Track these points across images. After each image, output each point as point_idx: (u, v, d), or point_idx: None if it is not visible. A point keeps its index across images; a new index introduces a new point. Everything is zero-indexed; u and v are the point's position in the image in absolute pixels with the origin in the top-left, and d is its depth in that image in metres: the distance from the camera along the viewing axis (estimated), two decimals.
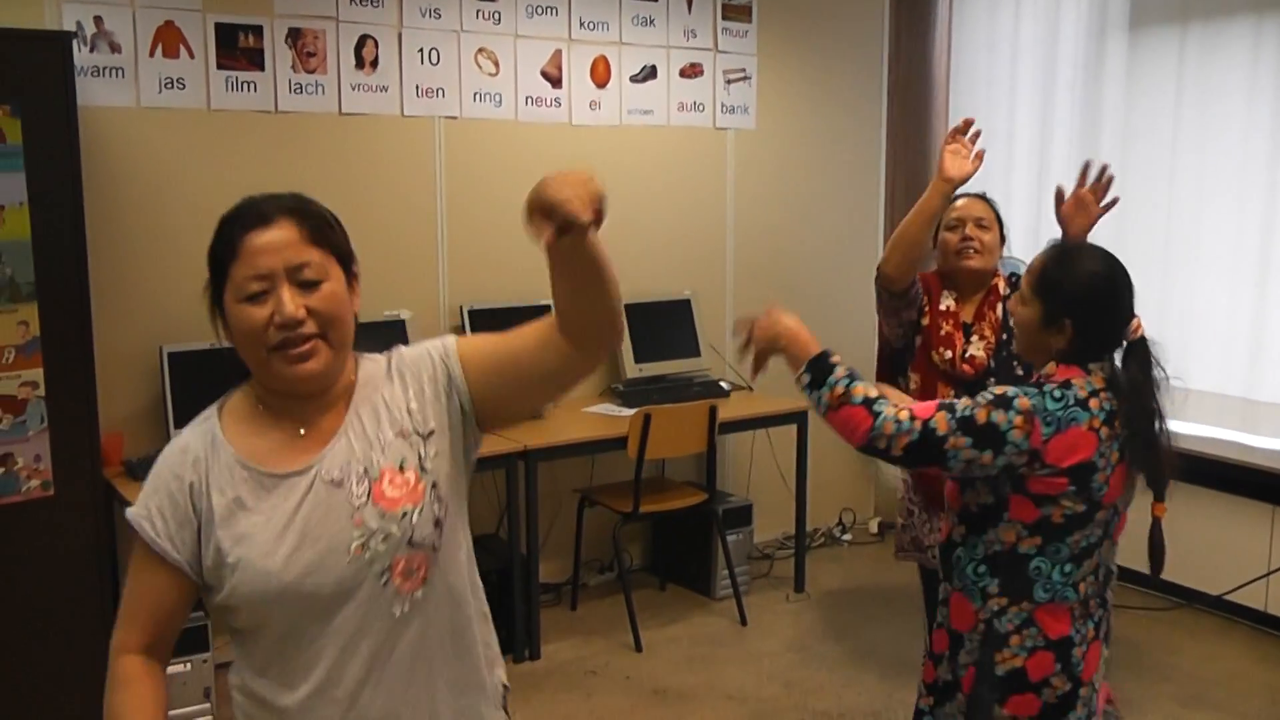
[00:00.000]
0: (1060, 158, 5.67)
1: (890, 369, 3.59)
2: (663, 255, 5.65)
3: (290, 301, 1.70)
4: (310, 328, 1.72)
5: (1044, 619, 2.43)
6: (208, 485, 1.77)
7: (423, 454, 1.81)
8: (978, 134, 3.38)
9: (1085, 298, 2.47)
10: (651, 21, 5.46)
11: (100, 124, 4.22)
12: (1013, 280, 3.46)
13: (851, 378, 2.49)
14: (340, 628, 1.75)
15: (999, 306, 3.41)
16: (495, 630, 1.97)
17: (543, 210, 1.68)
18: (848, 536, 6.26)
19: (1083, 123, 5.57)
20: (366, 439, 1.80)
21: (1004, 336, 3.37)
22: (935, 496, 3.30)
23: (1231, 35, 4.99)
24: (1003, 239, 3.54)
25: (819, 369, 2.50)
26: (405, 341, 4.67)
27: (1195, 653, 4.78)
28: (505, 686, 1.98)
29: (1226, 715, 4.27)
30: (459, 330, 4.96)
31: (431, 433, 1.83)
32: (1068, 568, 2.43)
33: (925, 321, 3.47)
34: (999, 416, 2.35)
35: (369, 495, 1.76)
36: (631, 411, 4.89)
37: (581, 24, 5.28)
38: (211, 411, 1.85)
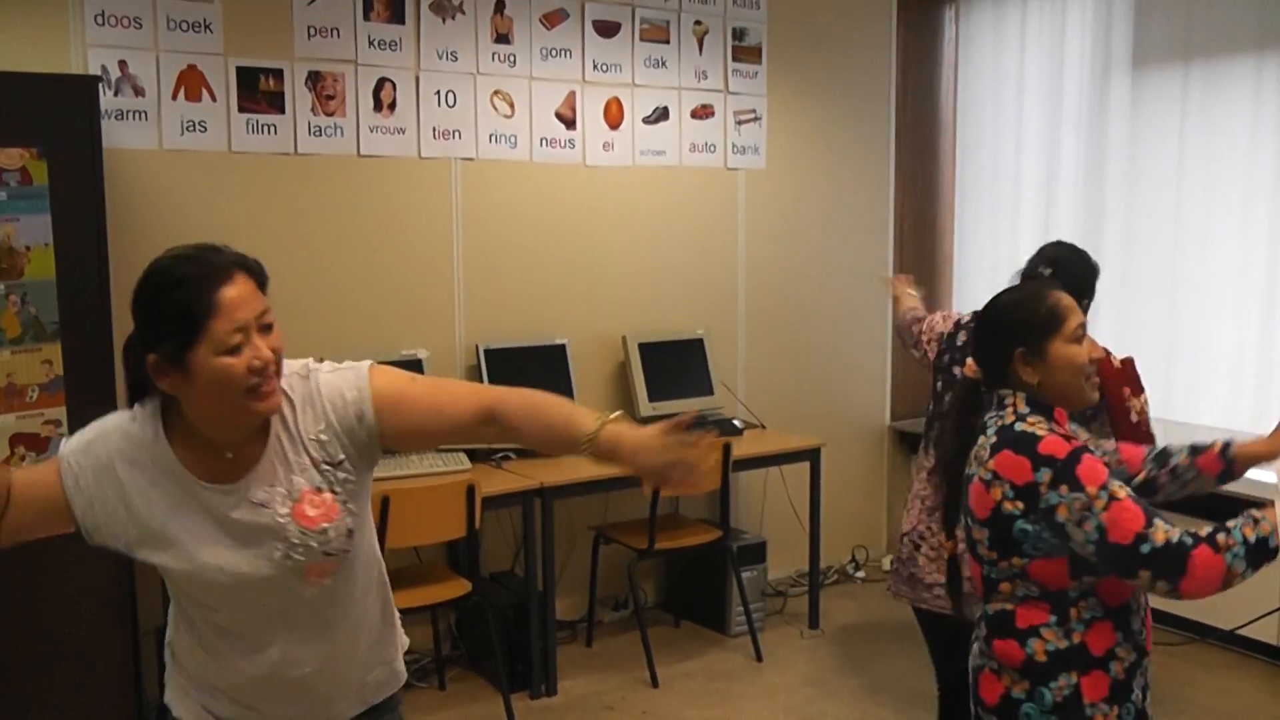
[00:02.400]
0: (1066, 196, 5.74)
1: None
2: (675, 294, 5.71)
3: (264, 347, 1.88)
4: (272, 368, 1.90)
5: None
6: (145, 483, 1.95)
7: (334, 480, 2.03)
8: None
9: None
10: (663, 63, 5.54)
11: (124, 166, 4.29)
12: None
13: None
14: (255, 606, 2.04)
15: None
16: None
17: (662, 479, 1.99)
18: (861, 573, 6.28)
19: (1088, 161, 5.64)
20: (287, 463, 2.00)
21: None
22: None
23: (1233, 72, 5.07)
24: None
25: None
26: None
27: (1210, 686, 4.79)
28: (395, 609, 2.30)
29: None
30: (474, 371, 5.02)
31: (340, 461, 2.04)
32: None
33: None
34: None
35: (291, 514, 1.98)
36: None
37: (595, 66, 5.36)
38: (154, 413, 1.98)
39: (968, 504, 2.41)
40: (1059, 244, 3.67)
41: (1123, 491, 2.20)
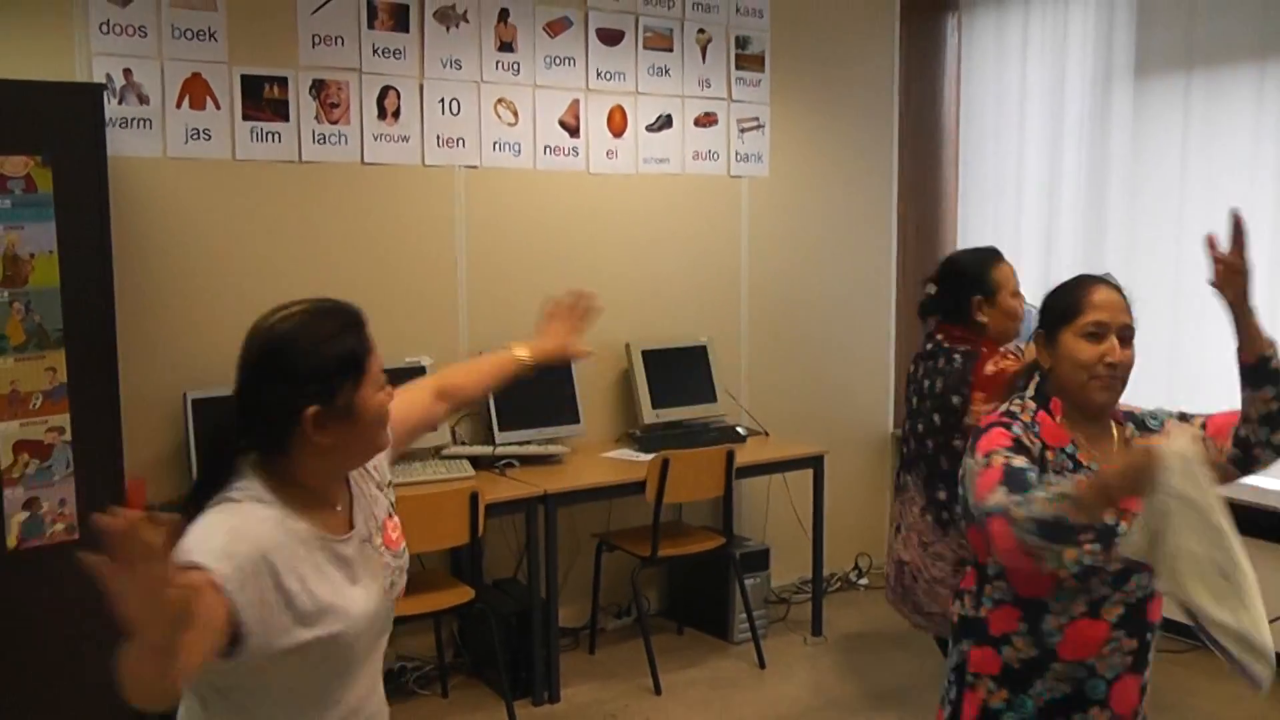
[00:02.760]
0: (1069, 205, 5.74)
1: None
2: (679, 302, 5.72)
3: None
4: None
5: None
6: (289, 560, 1.84)
7: (392, 500, 2.14)
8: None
9: None
10: (667, 71, 5.56)
11: (129, 174, 4.30)
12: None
13: None
14: (374, 656, 2.05)
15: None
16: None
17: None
18: (864, 580, 6.28)
19: (1090, 169, 5.65)
20: (366, 497, 2.07)
21: None
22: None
23: (1235, 80, 5.07)
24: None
25: None
26: None
27: (1214, 694, 4.78)
28: None
29: None
30: None
31: (390, 481, 2.16)
32: None
33: None
34: None
35: (383, 542, 2.06)
36: (649, 456, 4.93)
37: (599, 74, 5.37)
38: (265, 491, 1.88)
39: None
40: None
41: (1000, 459, 2.23)
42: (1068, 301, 2.43)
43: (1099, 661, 2.37)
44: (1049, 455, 2.33)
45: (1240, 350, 2.41)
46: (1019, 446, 2.29)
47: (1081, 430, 2.39)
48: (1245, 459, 2.44)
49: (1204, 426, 2.49)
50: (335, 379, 1.87)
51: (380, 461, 2.12)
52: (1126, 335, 2.40)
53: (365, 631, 1.96)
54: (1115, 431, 2.44)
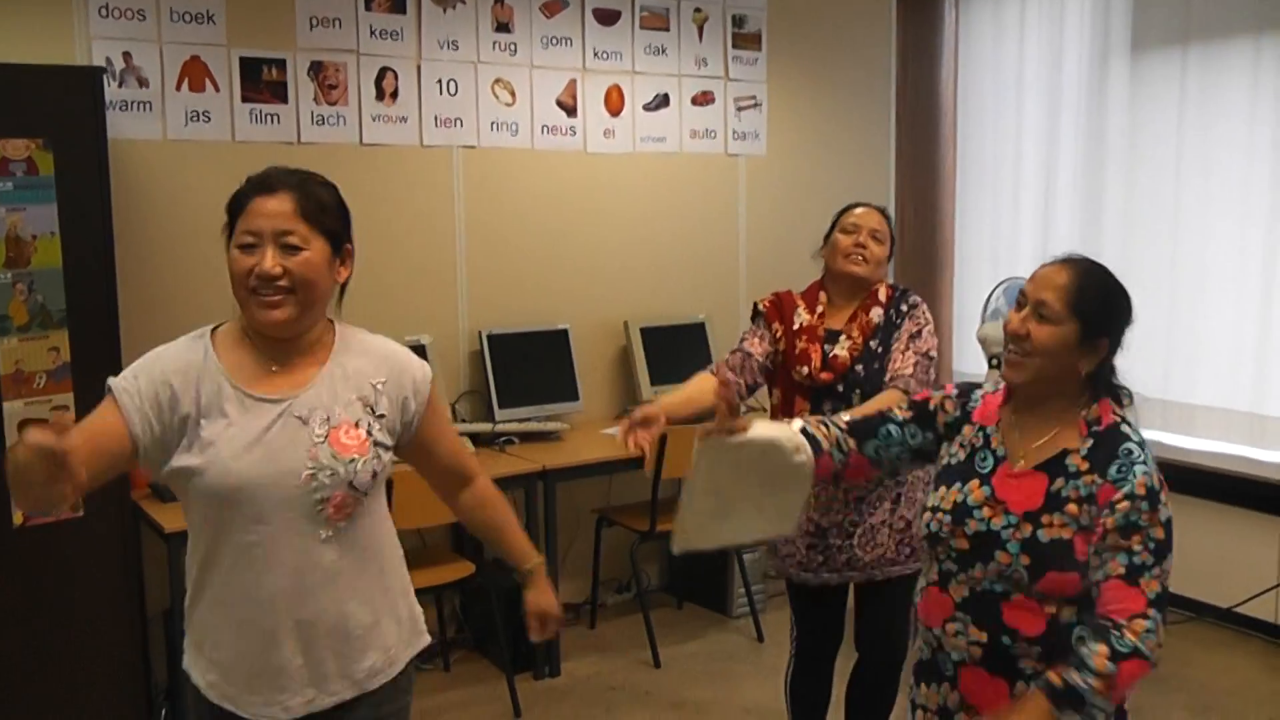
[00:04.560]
0: (1066, 181, 5.76)
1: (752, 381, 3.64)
2: (677, 279, 5.76)
3: (270, 260, 2.08)
4: (283, 284, 2.08)
5: None
6: (195, 391, 2.10)
7: (372, 424, 2.20)
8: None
9: (1122, 318, 2.28)
10: (664, 51, 5.58)
11: (129, 156, 4.35)
12: (898, 293, 3.58)
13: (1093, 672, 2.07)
14: (273, 532, 2.11)
15: (874, 311, 3.51)
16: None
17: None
18: None
19: (1087, 146, 5.66)
20: (334, 393, 2.17)
21: (873, 342, 3.47)
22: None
23: (1231, 55, 5.09)
24: (890, 255, 3.64)
25: (1070, 698, 2.06)
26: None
27: (1207, 664, 4.84)
28: (419, 612, 2.43)
29: None
30: (478, 356, 5.09)
31: (382, 416, 2.22)
32: None
33: (782, 345, 3.58)
34: (1166, 530, 2.13)
35: (326, 437, 2.13)
36: None
37: (595, 54, 5.40)
38: (205, 331, 2.20)
39: None
40: None
41: None
42: None
43: (945, 638, 2.32)
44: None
45: None
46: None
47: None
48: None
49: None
50: (228, 223, 2.16)
51: (386, 391, 2.23)
52: None
53: (242, 487, 2.06)
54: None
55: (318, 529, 2.13)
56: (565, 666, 4.89)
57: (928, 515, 2.35)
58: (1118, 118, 5.54)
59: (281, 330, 2.12)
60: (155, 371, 2.12)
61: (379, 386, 2.23)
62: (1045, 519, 2.20)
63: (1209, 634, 5.13)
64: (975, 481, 2.30)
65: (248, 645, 2.15)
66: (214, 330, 2.21)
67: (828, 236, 3.71)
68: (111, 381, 2.12)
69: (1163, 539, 2.11)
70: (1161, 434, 5.25)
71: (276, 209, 2.10)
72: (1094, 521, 2.15)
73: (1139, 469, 2.15)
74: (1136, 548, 2.10)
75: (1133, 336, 2.30)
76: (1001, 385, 2.39)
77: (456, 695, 4.69)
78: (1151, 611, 2.07)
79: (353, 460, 2.14)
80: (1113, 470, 2.17)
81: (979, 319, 5.11)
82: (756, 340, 3.66)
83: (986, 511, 2.25)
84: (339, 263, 2.20)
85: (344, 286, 2.25)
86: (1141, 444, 2.20)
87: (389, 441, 2.24)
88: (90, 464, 1.90)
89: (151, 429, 2.08)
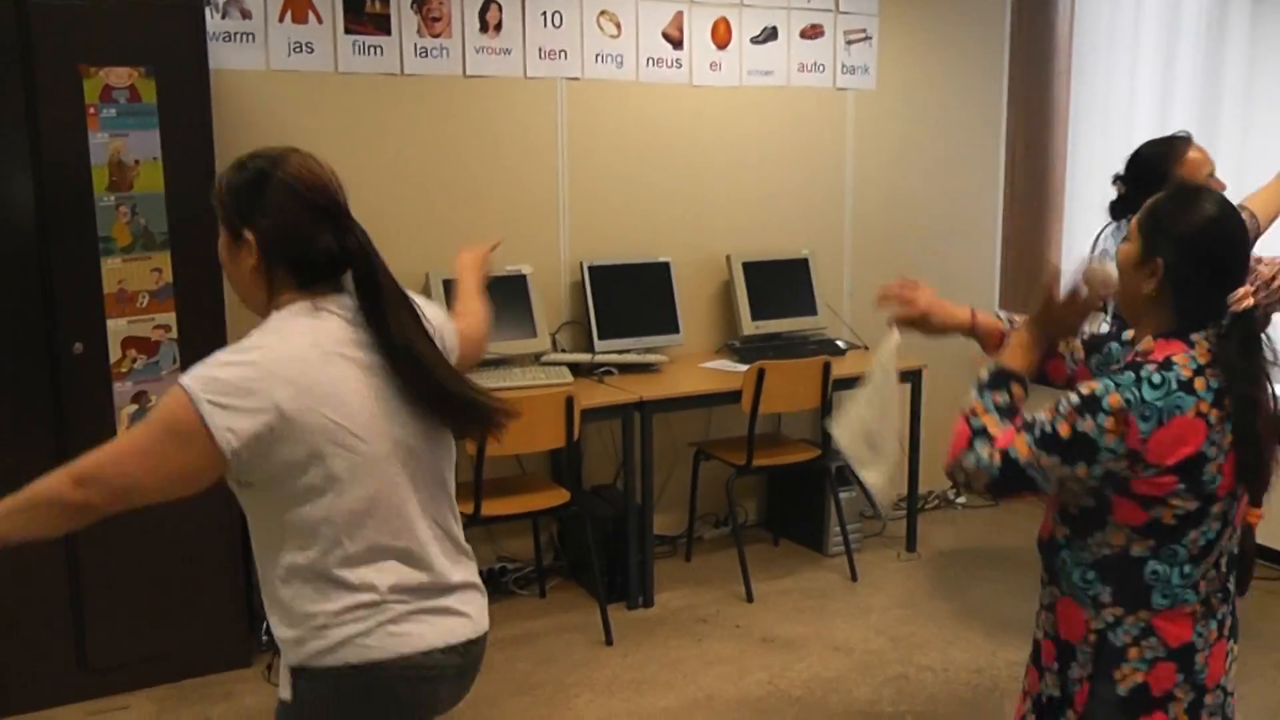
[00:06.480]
0: (1181, 118, 5.56)
1: None
2: (781, 214, 5.71)
3: None
4: None
5: (1163, 627, 2.20)
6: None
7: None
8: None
9: (1185, 238, 2.14)
10: None
11: (231, 86, 4.43)
12: None
13: (1000, 396, 2.27)
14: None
15: None
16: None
17: None
18: (962, 499, 6.26)
19: (1204, 83, 5.49)
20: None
21: None
22: None
23: None
24: None
25: (998, 376, 2.31)
26: (526, 295, 4.78)
27: None
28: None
29: None
30: (578, 288, 5.12)
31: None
32: (1187, 569, 2.18)
33: None
34: (1086, 424, 2.08)
35: None
36: (746, 367, 4.97)
37: None
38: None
39: None
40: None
41: None
42: None
43: None
44: None
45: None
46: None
47: None
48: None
49: None
50: None
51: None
52: None
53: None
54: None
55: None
56: (659, 597, 4.95)
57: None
58: (1236, 56, 5.35)
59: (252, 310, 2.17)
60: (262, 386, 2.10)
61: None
62: None
63: None
64: None
65: None
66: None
67: (1161, 174, 3.49)
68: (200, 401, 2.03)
69: (1065, 436, 2.11)
70: None
71: None
72: None
73: (1106, 380, 2.11)
74: (1043, 416, 2.15)
75: None
76: None
77: (551, 622, 4.77)
78: (1018, 437, 2.15)
79: None
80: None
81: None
82: None
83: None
84: (240, 249, 2.10)
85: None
86: (1140, 380, 2.09)
87: None
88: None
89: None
